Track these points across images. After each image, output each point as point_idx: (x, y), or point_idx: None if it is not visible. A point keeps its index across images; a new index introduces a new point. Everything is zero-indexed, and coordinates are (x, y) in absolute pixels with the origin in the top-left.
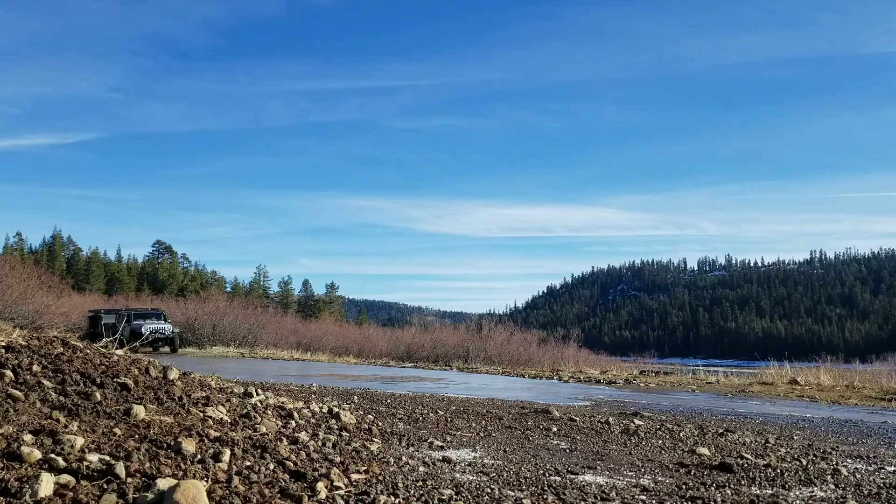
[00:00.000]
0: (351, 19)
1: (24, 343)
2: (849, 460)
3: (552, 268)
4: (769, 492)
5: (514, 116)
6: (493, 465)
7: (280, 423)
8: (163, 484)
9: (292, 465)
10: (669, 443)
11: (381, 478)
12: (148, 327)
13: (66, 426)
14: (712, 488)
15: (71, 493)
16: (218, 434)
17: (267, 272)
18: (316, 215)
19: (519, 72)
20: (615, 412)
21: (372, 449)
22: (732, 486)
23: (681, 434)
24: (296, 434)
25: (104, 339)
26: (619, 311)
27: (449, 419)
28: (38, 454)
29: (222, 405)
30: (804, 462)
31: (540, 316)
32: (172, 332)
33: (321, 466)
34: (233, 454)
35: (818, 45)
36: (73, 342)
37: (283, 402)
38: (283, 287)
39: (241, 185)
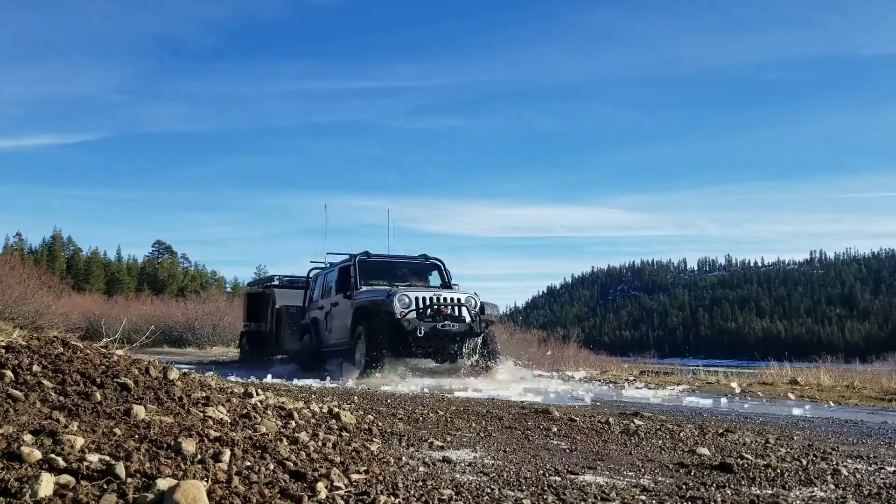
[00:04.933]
0: (353, 20)
1: (24, 343)
2: (849, 460)
3: (552, 268)
4: (769, 492)
5: (515, 116)
6: (493, 465)
7: (280, 424)
8: (163, 484)
9: (292, 465)
10: (669, 443)
11: (381, 478)
12: (410, 297)
13: (66, 426)
14: (712, 488)
15: (71, 494)
16: (218, 434)
17: (267, 272)
18: (316, 215)
19: (520, 72)
20: (615, 412)
21: (372, 449)
22: (732, 486)
23: (681, 434)
24: (296, 434)
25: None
26: (619, 311)
27: (449, 419)
28: (38, 454)
29: (222, 405)
30: (804, 462)
31: (540, 316)
32: (481, 320)
33: (321, 466)
34: (233, 454)
35: (818, 45)
36: (73, 342)
37: (283, 402)
38: None
39: (242, 185)
